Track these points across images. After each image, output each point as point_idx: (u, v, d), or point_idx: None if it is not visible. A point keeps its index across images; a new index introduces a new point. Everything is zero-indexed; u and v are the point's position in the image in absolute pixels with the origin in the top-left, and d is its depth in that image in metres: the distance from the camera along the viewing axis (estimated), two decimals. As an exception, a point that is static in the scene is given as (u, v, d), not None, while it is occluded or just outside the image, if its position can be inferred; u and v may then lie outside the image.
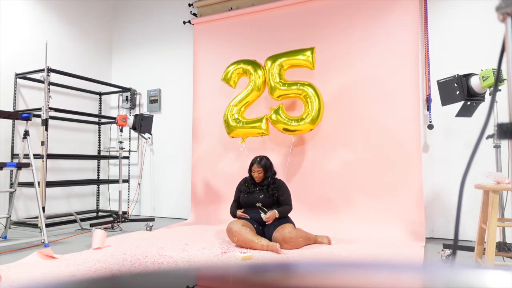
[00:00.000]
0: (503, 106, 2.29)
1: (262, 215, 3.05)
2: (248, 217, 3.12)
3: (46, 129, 3.71)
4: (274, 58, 3.80)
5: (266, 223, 3.07)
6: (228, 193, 4.04)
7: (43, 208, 3.48)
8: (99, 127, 5.21)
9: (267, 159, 3.29)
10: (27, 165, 3.25)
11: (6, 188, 4.04)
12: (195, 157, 4.59)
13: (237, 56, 4.13)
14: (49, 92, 3.81)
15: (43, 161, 3.65)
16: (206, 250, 2.95)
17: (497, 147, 2.66)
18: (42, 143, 3.67)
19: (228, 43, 4.50)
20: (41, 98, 4.13)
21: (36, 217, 3.81)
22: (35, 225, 3.71)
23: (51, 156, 3.99)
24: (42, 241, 3.10)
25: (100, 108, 5.20)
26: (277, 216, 3.05)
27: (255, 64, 3.89)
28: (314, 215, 3.75)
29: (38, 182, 3.41)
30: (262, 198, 3.15)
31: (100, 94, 5.17)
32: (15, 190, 3.40)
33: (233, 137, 3.99)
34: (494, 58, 3.22)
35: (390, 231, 3.37)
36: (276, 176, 3.31)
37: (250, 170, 3.28)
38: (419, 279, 0.45)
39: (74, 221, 4.07)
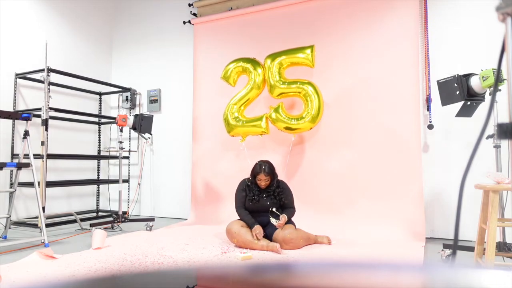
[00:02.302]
0: (503, 106, 2.29)
1: (273, 220, 2.99)
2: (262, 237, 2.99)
3: (46, 129, 3.71)
4: (273, 56, 3.80)
5: (277, 227, 2.99)
6: (228, 193, 4.04)
7: (43, 208, 3.48)
8: (99, 127, 5.21)
9: (270, 163, 3.17)
10: (27, 165, 3.25)
11: (6, 188, 4.04)
12: (195, 157, 4.59)
13: (237, 56, 4.13)
14: (49, 92, 3.81)
15: (43, 161, 3.65)
16: (206, 250, 2.95)
17: (497, 147, 2.66)
18: (42, 143, 3.67)
19: (228, 43, 4.50)
20: (41, 98, 4.13)
21: (36, 217, 3.81)
22: (35, 225, 3.71)
23: (51, 156, 3.99)
24: (42, 241, 3.10)
25: (100, 108, 5.21)
26: (286, 221, 3.03)
27: (254, 62, 3.89)
28: (314, 214, 3.75)
29: (38, 182, 3.41)
30: (269, 204, 3.12)
31: (100, 94, 5.17)
32: (15, 190, 3.40)
33: (233, 136, 4.00)
34: (494, 58, 3.22)
35: (390, 231, 3.37)
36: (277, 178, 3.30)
37: (254, 178, 3.16)
38: (419, 279, 0.45)
39: (74, 221, 4.07)
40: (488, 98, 2.78)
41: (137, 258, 2.69)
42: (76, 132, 4.89)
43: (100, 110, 5.19)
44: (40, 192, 3.34)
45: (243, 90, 3.92)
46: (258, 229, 2.96)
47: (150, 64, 5.16)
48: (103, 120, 5.16)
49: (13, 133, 4.14)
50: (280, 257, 2.74)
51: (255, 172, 3.14)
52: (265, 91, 3.91)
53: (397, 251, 2.93)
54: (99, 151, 5.18)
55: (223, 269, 0.49)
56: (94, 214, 4.95)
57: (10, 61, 4.17)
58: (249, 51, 4.22)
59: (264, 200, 3.13)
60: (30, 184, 3.78)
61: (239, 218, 3.17)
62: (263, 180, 3.10)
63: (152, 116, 4.18)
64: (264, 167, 3.10)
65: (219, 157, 4.44)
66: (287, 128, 3.71)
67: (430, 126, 3.55)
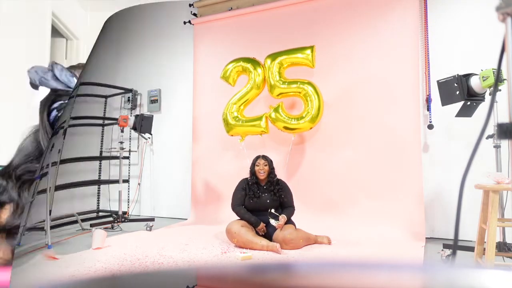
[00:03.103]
0: (503, 106, 2.29)
1: (273, 221, 2.98)
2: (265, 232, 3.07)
3: (64, 137, 3.70)
4: (273, 56, 3.80)
5: (276, 228, 2.99)
6: (228, 193, 4.03)
7: (50, 212, 3.48)
8: (103, 129, 5.19)
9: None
10: (46, 174, 3.24)
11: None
12: (195, 156, 4.59)
13: (237, 56, 4.12)
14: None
15: (56, 167, 3.64)
16: (206, 250, 2.95)
17: (497, 147, 2.65)
18: (59, 151, 3.66)
19: (228, 43, 4.50)
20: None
21: (42, 221, 3.80)
22: (41, 229, 3.70)
23: (63, 162, 3.97)
24: (46, 243, 3.10)
25: (105, 110, 5.17)
26: (285, 221, 3.03)
27: (254, 62, 3.89)
28: (314, 214, 3.74)
29: (50, 188, 3.40)
30: (269, 202, 3.13)
31: (105, 97, 5.14)
32: (34, 199, 3.37)
33: (232, 136, 4.00)
34: (494, 58, 3.21)
35: (390, 231, 3.37)
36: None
37: (253, 167, 3.25)
38: (419, 279, 0.45)
39: (75, 222, 4.07)
40: (488, 98, 2.78)
41: (137, 258, 2.69)
42: (81, 135, 4.87)
43: (104, 113, 5.16)
44: (49, 197, 3.33)
45: (243, 89, 3.92)
46: (263, 226, 3.07)
47: (150, 64, 5.15)
48: (106, 121, 5.15)
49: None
50: (280, 257, 2.74)
51: (254, 160, 3.28)
52: (265, 90, 3.91)
53: (397, 251, 2.93)
54: (101, 152, 5.17)
55: (223, 269, 0.49)
56: (94, 215, 4.94)
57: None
58: (249, 51, 4.22)
59: (264, 198, 3.14)
60: (42, 191, 3.76)
61: (238, 217, 3.17)
62: (261, 165, 3.21)
63: (152, 116, 4.18)
64: (262, 155, 3.30)
65: (219, 157, 4.44)
66: (287, 128, 3.71)
67: (430, 126, 3.55)
